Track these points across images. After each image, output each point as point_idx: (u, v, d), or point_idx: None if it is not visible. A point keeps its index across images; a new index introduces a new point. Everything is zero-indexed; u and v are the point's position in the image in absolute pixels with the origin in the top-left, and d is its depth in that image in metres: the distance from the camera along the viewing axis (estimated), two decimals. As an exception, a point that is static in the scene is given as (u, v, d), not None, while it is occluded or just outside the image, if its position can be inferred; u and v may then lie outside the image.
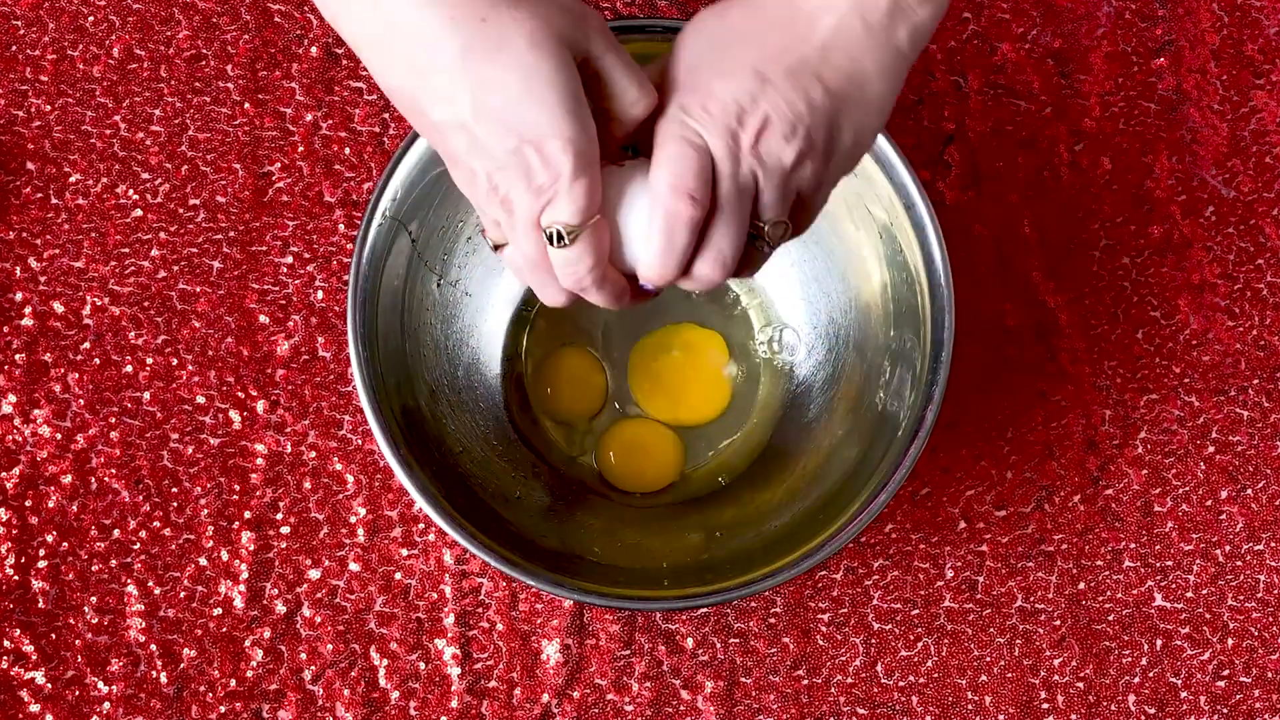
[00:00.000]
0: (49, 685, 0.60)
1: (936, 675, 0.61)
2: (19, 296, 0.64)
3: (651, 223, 0.40)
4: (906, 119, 0.67)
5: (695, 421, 0.62)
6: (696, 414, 0.62)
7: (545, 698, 0.61)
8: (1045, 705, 0.62)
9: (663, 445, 0.62)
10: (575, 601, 0.61)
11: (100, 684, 0.60)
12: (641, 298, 0.44)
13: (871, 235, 0.57)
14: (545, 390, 0.62)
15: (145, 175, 0.66)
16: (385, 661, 0.61)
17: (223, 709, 0.60)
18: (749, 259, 0.42)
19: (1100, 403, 0.65)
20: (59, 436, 0.63)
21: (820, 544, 0.51)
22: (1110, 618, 0.62)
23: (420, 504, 0.52)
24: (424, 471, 0.52)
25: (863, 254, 0.58)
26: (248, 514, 0.62)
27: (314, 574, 0.62)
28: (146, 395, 0.63)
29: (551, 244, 0.39)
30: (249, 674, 0.61)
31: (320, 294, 0.64)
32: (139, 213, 0.65)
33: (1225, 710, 0.62)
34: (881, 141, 0.54)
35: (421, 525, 0.62)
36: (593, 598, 0.51)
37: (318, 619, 0.61)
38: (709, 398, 0.62)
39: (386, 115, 0.66)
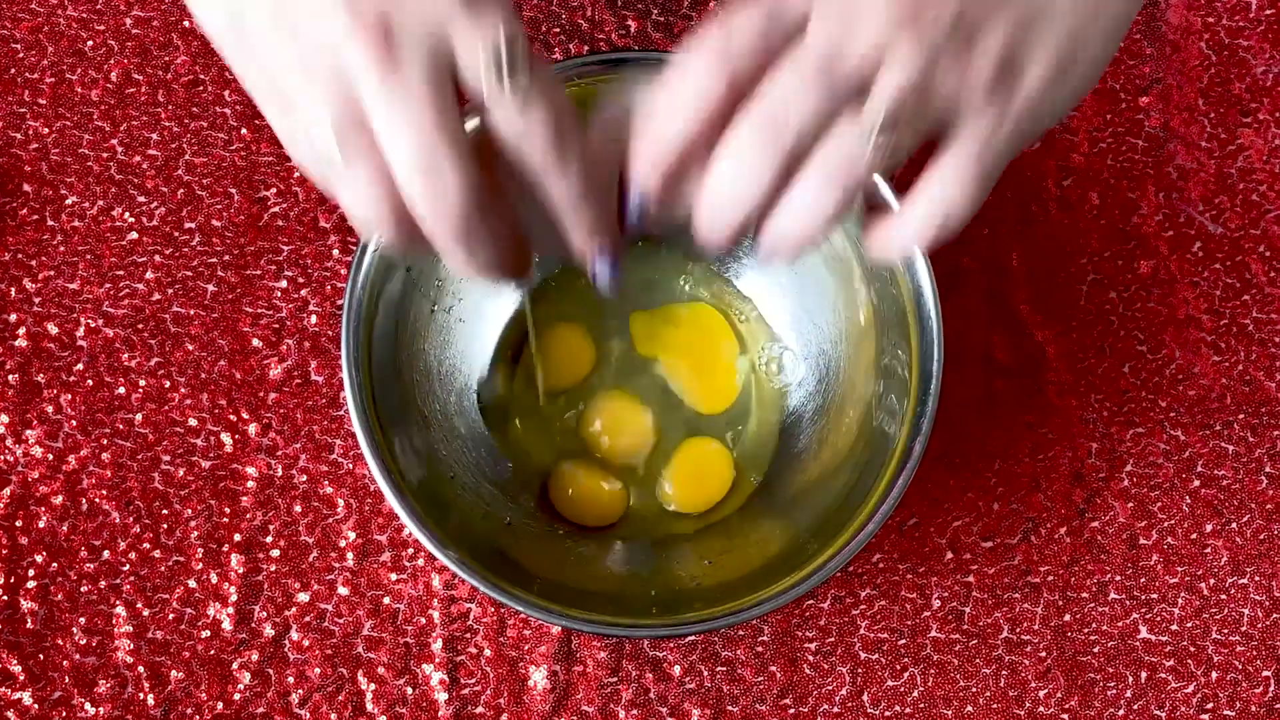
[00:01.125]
0: (36, 706, 0.60)
1: (923, 705, 0.62)
2: (13, 317, 0.64)
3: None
4: (897, 152, 0.68)
5: (703, 408, 0.62)
6: (706, 403, 0.62)
7: (532, 724, 0.61)
8: (1030, 737, 0.62)
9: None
10: (564, 628, 0.61)
11: (88, 705, 0.60)
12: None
13: (862, 267, 0.58)
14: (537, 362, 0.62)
15: (141, 198, 0.66)
16: (373, 686, 0.61)
17: (209, 732, 0.60)
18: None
19: (1087, 435, 0.65)
20: (50, 457, 0.63)
21: (808, 574, 0.51)
22: (1095, 649, 0.63)
23: (410, 528, 0.52)
24: (414, 496, 0.52)
25: (854, 286, 0.59)
26: (237, 536, 0.62)
27: (303, 597, 0.62)
28: (139, 417, 0.64)
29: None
30: (236, 697, 0.61)
31: (314, 318, 0.65)
32: (134, 235, 0.66)
33: (1209, 743, 0.62)
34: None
35: (411, 550, 0.62)
36: (581, 624, 0.51)
37: (306, 642, 0.61)
38: (720, 388, 0.62)
39: (382, 142, 0.67)
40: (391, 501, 0.52)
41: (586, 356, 0.63)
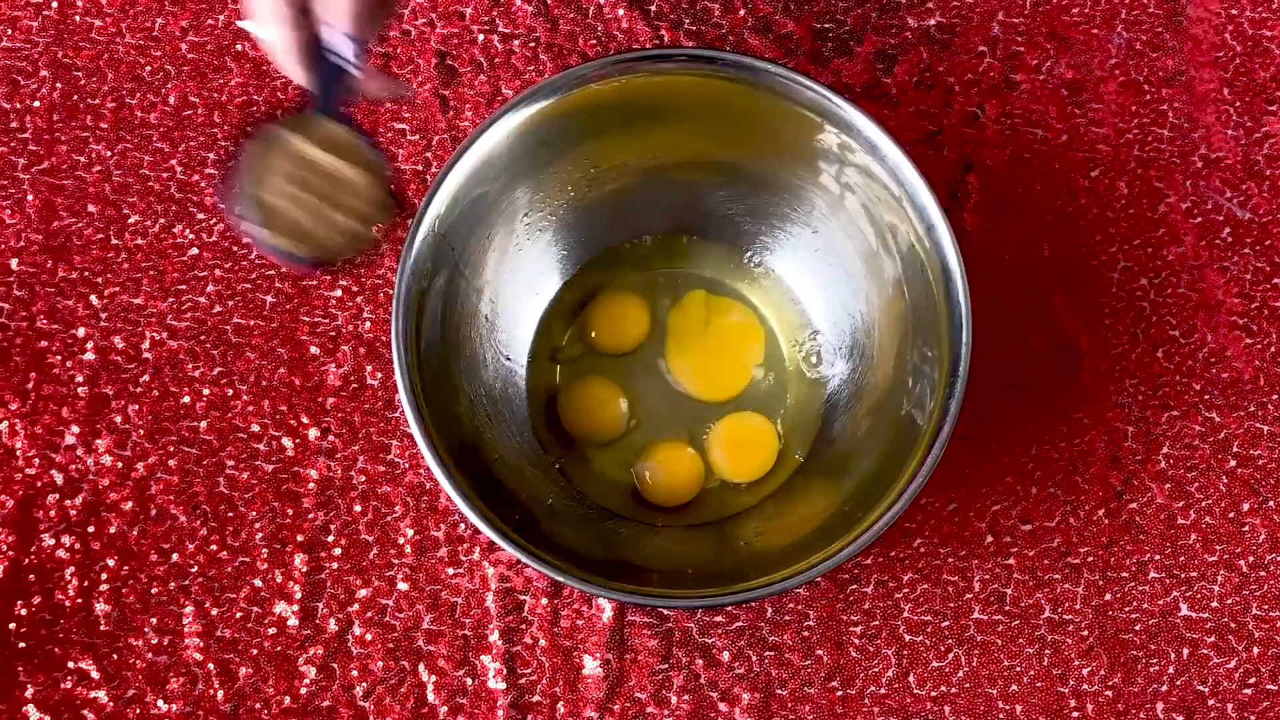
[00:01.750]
0: (111, 704, 0.63)
1: (968, 685, 0.63)
2: (81, 332, 0.67)
3: None
4: (927, 149, 0.70)
5: (699, 394, 0.65)
6: (706, 390, 0.65)
7: (588, 712, 0.63)
8: (1075, 713, 0.63)
9: (693, 464, 0.64)
10: (615, 611, 0.63)
11: (160, 702, 0.63)
12: None
13: (894, 258, 0.59)
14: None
15: (201, 215, 0.69)
16: (433, 678, 0.63)
17: (277, 725, 0.63)
18: None
19: (1122, 419, 0.67)
20: (120, 465, 0.66)
21: (841, 548, 0.53)
22: (1137, 628, 0.64)
23: (459, 505, 0.53)
24: (464, 479, 0.54)
25: (884, 276, 0.60)
26: (300, 537, 0.65)
27: (364, 593, 0.64)
28: (203, 425, 0.66)
29: None
30: (303, 691, 0.63)
31: (368, 325, 0.67)
32: (195, 251, 0.69)
33: (1253, 717, 0.63)
34: (904, 166, 0.56)
35: (467, 545, 0.65)
36: (633, 597, 0.53)
37: (368, 637, 0.64)
38: (725, 381, 0.65)
39: (429, 154, 0.69)
40: (439, 476, 0.53)
41: (640, 323, 0.66)
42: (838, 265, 0.63)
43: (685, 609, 0.63)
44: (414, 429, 0.54)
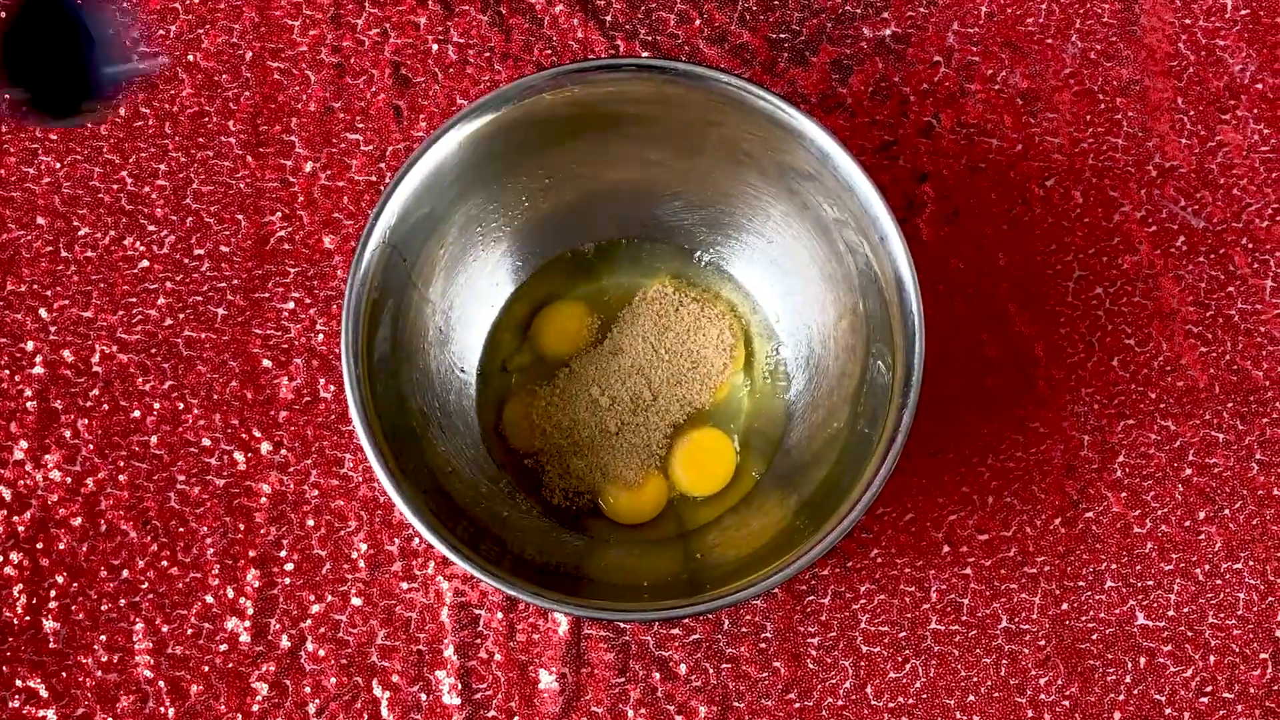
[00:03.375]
0: (59, 724, 0.62)
1: (925, 696, 0.63)
2: (30, 346, 0.66)
3: None
4: (882, 158, 0.70)
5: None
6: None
7: (544, 726, 0.62)
8: (1032, 723, 0.63)
9: (658, 485, 0.64)
10: (571, 625, 0.63)
11: (109, 721, 0.62)
12: None
13: (848, 268, 0.59)
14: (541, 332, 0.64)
15: (151, 228, 0.68)
16: (387, 694, 0.62)
17: (229, 744, 0.62)
18: None
19: (1078, 429, 0.67)
20: (69, 480, 0.65)
21: (794, 560, 0.52)
22: (1094, 637, 0.64)
23: (411, 520, 0.53)
24: (416, 493, 0.54)
25: (839, 287, 0.60)
26: (252, 552, 0.64)
27: (317, 609, 0.63)
28: (154, 439, 0.65)
29: None
30: (254, 708, 0.62)
31: (321, 337, 0.67)
32: (146, 263, 0.68)
33: (1208, 725, 0.63)
34: (857, 177, 0.56)
35: (421, 559, 0.64)
36: (586, 612, 0.53)
37: (321, 653, 0.63)
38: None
39: (382, 165, 0.69)
40: (390, 492, 0.53)
41: (581, 330, 0.65)
42: (794, 275, 0.63)
43: (640, 623, 0.63)
44: (364, 442, 0.54)
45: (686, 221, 0.65)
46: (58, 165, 0.69)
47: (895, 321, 0.56)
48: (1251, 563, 0.65)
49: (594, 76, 0.57)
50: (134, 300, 0.67)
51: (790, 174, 0.59)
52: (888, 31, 0.72)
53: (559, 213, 0.64)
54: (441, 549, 0.53)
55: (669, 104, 0.59)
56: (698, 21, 0.71)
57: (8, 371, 0.66)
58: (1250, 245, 0.70)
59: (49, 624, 0.63)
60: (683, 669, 0.63)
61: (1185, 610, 0.64)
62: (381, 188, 0.69)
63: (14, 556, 0.64)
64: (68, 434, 0.65)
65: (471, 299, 0.64)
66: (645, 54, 0.71)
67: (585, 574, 0.58)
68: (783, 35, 0.72)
